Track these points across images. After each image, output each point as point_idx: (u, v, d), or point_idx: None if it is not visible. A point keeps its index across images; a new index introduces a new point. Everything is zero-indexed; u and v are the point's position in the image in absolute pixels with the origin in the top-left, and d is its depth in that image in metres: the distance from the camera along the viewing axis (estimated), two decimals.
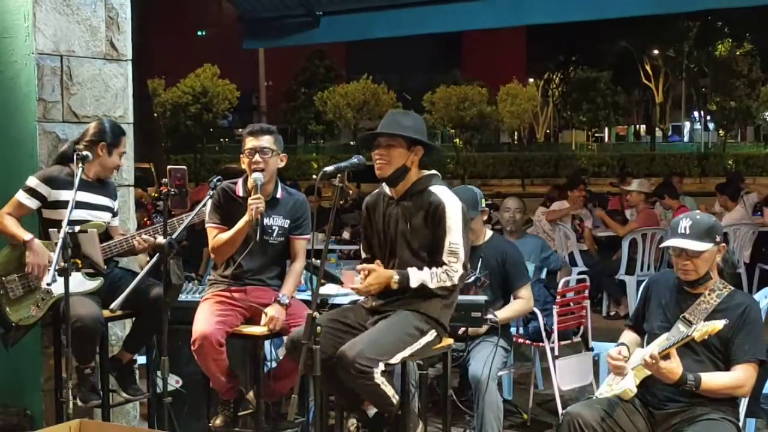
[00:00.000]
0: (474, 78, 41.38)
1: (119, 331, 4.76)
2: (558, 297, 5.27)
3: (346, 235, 8.75)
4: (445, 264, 3.63)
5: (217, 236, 4.20)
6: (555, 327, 5.17)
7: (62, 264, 3.56)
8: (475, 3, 11.16)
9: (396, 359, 3.53)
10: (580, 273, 7.81)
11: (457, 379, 4.88)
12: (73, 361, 3.84)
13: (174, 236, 3.79)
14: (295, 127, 47.42)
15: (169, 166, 3.92)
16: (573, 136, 50.67)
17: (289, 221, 4.26)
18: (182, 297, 4.76)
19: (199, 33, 50.38)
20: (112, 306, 3.79)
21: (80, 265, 3.75)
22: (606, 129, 51.56)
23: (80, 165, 4.00)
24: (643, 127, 55.63)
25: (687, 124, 53.11)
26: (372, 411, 3.76)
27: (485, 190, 7.80)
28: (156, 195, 10.24)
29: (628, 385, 3.39)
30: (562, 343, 5.32)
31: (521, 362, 5.76)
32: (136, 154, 5.11)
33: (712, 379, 3.28)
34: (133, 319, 4.49)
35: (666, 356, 3.21)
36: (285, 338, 4.01)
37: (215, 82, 34.41)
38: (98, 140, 4.28)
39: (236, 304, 4.15)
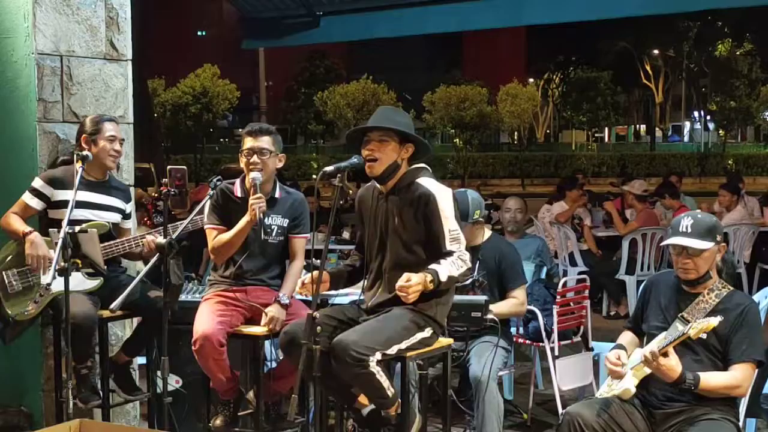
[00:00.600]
0: (474, 78, 41.36)
1: (119, 331, 4.76)
2: (558, 297, 5.27)
3: (346, 235, 8.75)
4: (454, 252, 3.58)
5: (217, 237, 4.19)
6: (555, 327, 5.17)
7: (62, 264, 3.57)
8: (475, 3, 11.18)
9: (392, 350, 3.51)
10: (580, 273, 7.82)
11: (457, 379, 4.88)
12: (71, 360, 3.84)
13: (174, 236, 3.79)
14: (295, 127, 47.43)
15: (169, 166, 3.92)
16: (573, 136, 50.66)
17: (288, 220, 4.26)
18: (182, 297, 4.78)
19: (199, 33, 50.39)
20: (111, 306, 3.80)
21: (80, 265, 3.76)
22: (606, 129, 51.55)
23: (81, 165, 4.01)
24: (643, 127, 55.63)
25: (687, 124, 53.09)
26: (366, 410, 3.76)
27: (485, 190, 7.80)
28: (156, 195, 10.23)
29: (628, 385, 3.40)
30: (562, 343, 5.32)
31: (521, 362, 5.77)
32: (136, 154, 5.12)
33: (711, 379, 3.28)
34: (135, 324, 4.50)
35: (664, 354, 3.21)
36: (281, 332, 3.97)
37: (215, 82, 34.34)
38: (78, 137, 4.31)
39: (237, 304, 4.15)
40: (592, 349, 5.17)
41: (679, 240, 3.40)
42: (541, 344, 5.28)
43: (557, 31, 34.24)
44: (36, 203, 4.21)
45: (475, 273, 4.75)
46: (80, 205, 4.17)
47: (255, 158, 4.11)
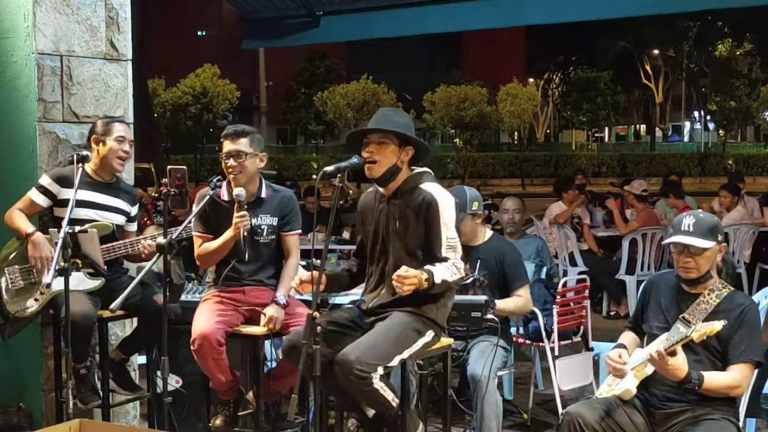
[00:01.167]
0: (474, 78, 41.39)
1: (119, 331, 4.76)
2: (558, 297, 5.27)
3: (346, 235, 8.75)
4: (449, 259, 3.58)
5: (202, 246, 4.19)
6: (555, 327, 5.17)
7: (62, 263, 3.57)
8: (475, 3, 11.19)
9: (394, 362, 3.51)
10: (580, 273, 7.82)
11: (457, 378, 4.88)
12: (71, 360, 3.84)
13: (174, 236, 3.79)
14: (295, 127, 47.44)
15: (169, 166, 3.91)
16: (573, 136, 50.68)
17: (277, 218, 4.23)
18: (182, 297, 4.77)
19: (199, 33, 50.37)
20: (111, 306, 3.79)
21: (80, 265, 3.76)
22: (606, 129, 51.59)
23: (80, 165, 4.01)
24: (643, 127, 55.62)
25: (687, 124, 53.10)
26: (371, 411, 3.75)
27: (485, 190, 7.81)
28: (156, 195, 10.23)
29: (628, 385, 3.40)
30: (562, 343, 5.32)
31: (521, 362, 5.76)
32: (136, 154, 5.11)
33: (713, 378, 3.28)
34: (135, 324, 4.50)
35: (672, 353, 3.21)
36: (284, 338, 3.99)
37: (215, 82, 34.39)
38: (89, 137, 4.34)
39: (236, 304, 4.15)
40: (592, 349, 5.17)
41: (680, 238, 3.40)
42: (541, 344, 5.28)
43: (557, 31, 34.22)
44: (42, 200, 4.22)
45: (476, 272, 4.75)
46: (86, 204, 4.18)
47: (232, 161, 4.10)
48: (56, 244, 3.70)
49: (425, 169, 3.76)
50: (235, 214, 4.03)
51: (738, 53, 40.57)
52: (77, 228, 3.82)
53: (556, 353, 5.17)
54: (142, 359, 4.74)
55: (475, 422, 4.47)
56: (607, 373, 3.59)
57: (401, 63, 44.42)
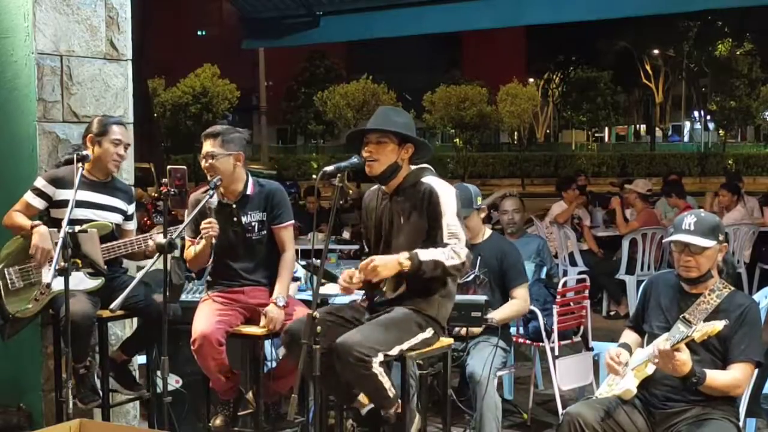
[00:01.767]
0: (474, 78, 41.39)
1: (119, 331, 4.76)
2: (558, 297, 5.27)
3: (346, 235, 8.75)
4: (449, 245, 3.59)
5: (188, 248, 4.21)
6: (555, 327, 5.17)
7: (62, 263, 3.57)
8: (474, 3, 11.19)
9: (394, 351, 3.52)
10: (580, 273, 7.82)
11: (457, 378, 4.87)
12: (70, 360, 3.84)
13: (174, 236, 3.78)
14: (295, 127, 47.44)
15: (169, 166, 3.91)
16: (573, 136, 50.69)
17: (266, 213, 4.20)
18: (182, 297, 4.77)
19: (199, 33, 50.34)
20: (111, 306, 3.79)
21: (80, 265, 3.75)
22: (606, 129, 51.57)
23: (80, 165, 4.01)
24: (643, 127, 55.62)
25: (687, 124, 53.09)
26: (365, 409, 3.76)
27: (485, 190, 7.81)
28: (156, 195, 10.24)
29: (629, 385, 3.39)
30: (562, 343, 5.31)
31: (521, 362, 5.76)
32: (136, 154, 5.11)
33: (715, 377, 3.28)
34: (136, 324, 4.50)
35: (677, 349, 3.21)
36: (284, 328, 3.96)
37: (215, 82, 34.38)
38: (85, 136, 4.32)
39: (235, 304, 4.15)
40: (592, 349, 5.17)
41: (681, 237, 3.40)
42: (541, 344, 5.27)
43: (557, 31, 34.20)
44: (38, 202, 4.21)
45: (476, 270, 4.76)
46: (82, 204, 4.18)
47: (204, 162, 4.11)
48: (56, 244, 3.70)
49: (425, 165, 3.79)
50: (203, 222, 4.02)
51: (738, 53, 40.55)
52: (77, 228, 3.82)
53: (556, 353, 5.17)
54: (142, 359, 4.74)
55: (475, 422, 4.47)
56: (608, 372, 3.59)
57: (401, 63, 44.38)
